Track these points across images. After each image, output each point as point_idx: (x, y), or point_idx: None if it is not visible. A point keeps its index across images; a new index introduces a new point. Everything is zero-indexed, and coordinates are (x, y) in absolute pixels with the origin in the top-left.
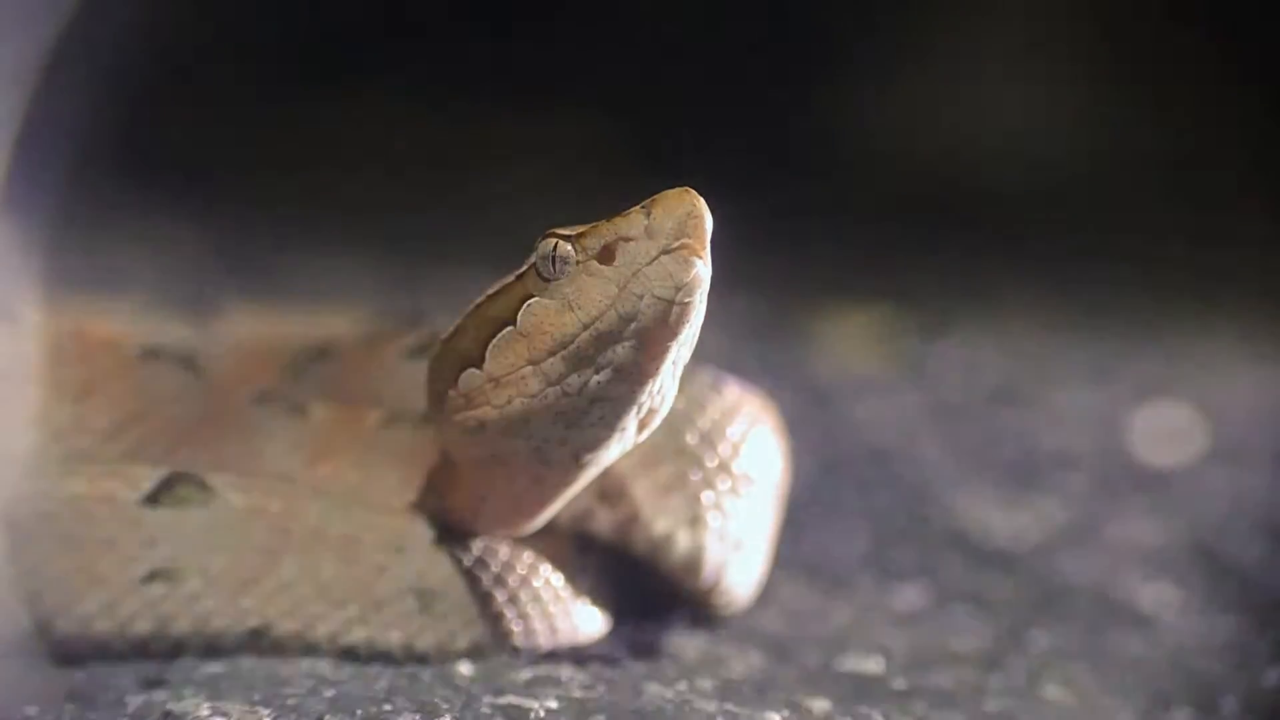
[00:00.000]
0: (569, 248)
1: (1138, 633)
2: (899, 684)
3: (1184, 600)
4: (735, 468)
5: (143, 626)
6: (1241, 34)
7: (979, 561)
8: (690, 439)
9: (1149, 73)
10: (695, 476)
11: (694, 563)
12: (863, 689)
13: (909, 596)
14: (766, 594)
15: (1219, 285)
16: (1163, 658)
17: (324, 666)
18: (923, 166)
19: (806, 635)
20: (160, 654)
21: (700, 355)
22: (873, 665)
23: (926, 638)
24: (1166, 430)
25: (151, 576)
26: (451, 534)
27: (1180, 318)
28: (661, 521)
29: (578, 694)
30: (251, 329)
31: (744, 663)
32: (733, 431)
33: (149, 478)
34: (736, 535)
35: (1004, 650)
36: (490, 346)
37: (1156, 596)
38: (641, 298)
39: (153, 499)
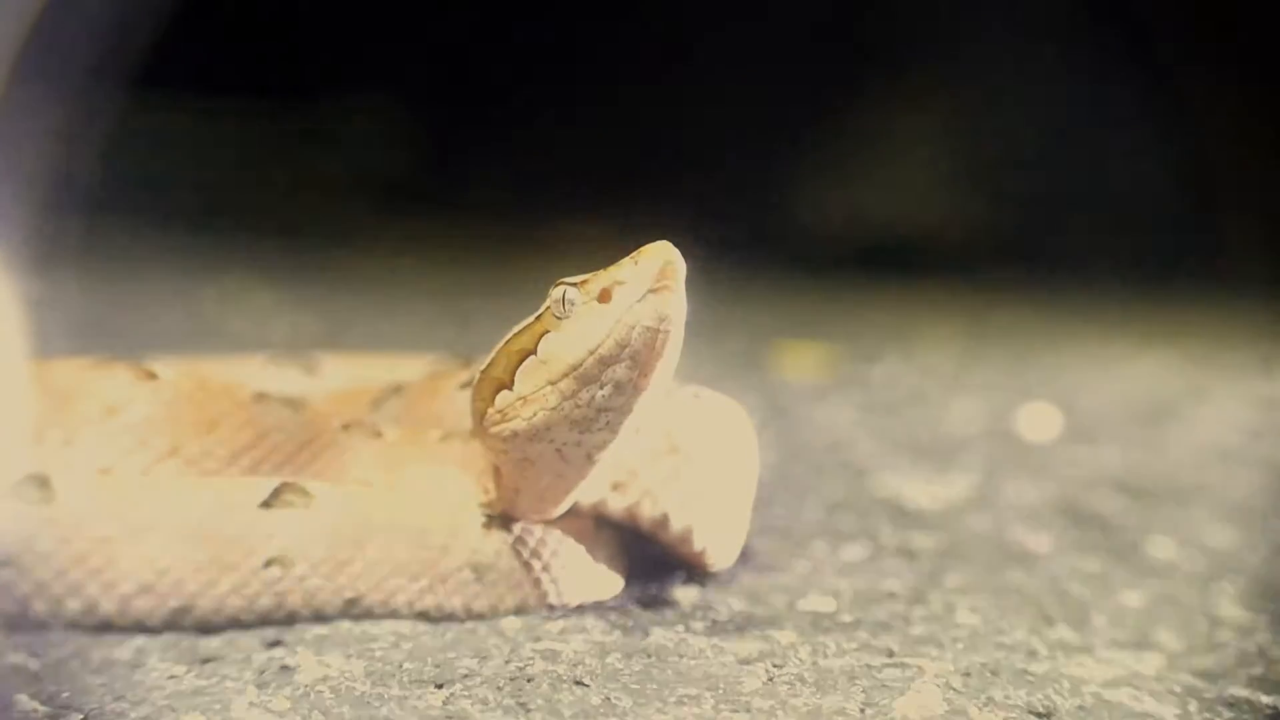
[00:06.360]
0: (575, 292)
1: (1025, 569)
2: (846, 618)
3: (1059, 544)
4: (717, 460)
5: (265, 602)
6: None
7: (905, 522)
8: (681, 438)
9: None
10: (686, 468)
11: (686, 534)
12: (819, 622)
13: (853, 551)
14: (744, 554)
15: (1080, 312)
16: (1045, 587)
17: (403, 626)
18: (864, 232)
19: (775, 584)
20: (278, 622)
21: (689, 379)
22: (826, 604)
23: (866, 582)
24: (1039, 420)
25: (269, 563)
26: (496, 520)
27: (1050, 338)
28: (661, 504)
29: (599, 638)
30: (344, 375)
31: (728, 607)
32: (714, 432)
33: (265, 488)
34: (719, 511)
35: (925, 588)
36: (518, 372)
37: (1038, 542)
38: (633, 328)
39: (268, 504)
